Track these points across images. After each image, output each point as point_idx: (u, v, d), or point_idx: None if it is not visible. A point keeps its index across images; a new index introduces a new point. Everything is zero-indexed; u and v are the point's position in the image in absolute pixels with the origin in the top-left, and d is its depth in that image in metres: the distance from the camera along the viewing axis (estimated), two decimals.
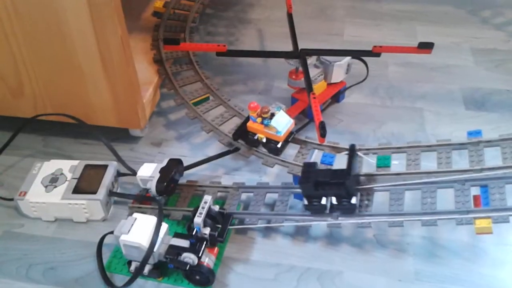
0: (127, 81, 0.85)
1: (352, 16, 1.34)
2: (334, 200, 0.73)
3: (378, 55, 0.97)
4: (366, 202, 0.74)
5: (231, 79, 1.13)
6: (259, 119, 0.82)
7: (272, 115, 0.82)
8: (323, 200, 0.73)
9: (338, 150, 0.83)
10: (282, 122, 0.81)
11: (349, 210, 0.73)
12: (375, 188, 0.75)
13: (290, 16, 1.09)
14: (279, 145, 0.82)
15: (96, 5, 0.75)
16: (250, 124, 0.83)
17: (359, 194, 0.75)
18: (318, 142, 0.84)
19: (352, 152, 0.75)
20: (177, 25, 1.13)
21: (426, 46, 0.95)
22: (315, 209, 0.74)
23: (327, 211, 0.74)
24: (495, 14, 1.33)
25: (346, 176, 0.70)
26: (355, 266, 0.74)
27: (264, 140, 0.83)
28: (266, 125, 0.81)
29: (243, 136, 0.85)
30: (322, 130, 0.82)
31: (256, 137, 0.83)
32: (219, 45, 0.99)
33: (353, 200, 0.72)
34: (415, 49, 0.96)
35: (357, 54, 1.02)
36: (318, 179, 0.71)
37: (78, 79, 0.86)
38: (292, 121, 0.83)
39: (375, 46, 0.97)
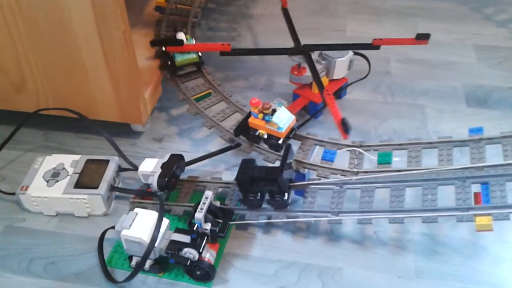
0: (129, 76, 0.85)
1: (354, 12, 1.34)
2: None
3: (377, 47, 0.97)
4: (366, 198, 0.74)
5: (233, 75, 1.13)
6: (260, 115, 0.82)
7: (274, 111, 0.82)
8: (258, 195, 0.76)
9: (339, 146, 0.83)
10: (284, 118, 0.81)
11: (281, 206, 0.76)
12: (375, 184, 0.75)
13: (285, 11, 1.07)
14: (280, 141, 0.82)
15: (98, 0, 0.75)
16: (251, 120, 0.83)
17: (292, 191, 0.78)
18: (326, 139, 0.84)
19: (286, 151, 0.77)
20: (179, 20, 1.13)
21: (423, 38, 0.96)
22: (250, 203, 0.77)
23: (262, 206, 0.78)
24: (498, 11, 1.32)
25: (278, 173, 0.73)
26: (356, 263, 0.74)
27: (266, 136, 0.83)
28: (268, 121, 0.81)
29: (245, 132, 0.85)
30: (345, 127, 0.83)
31: (257, 133, 0.83)
32: (223, 45, 0.97)
33: (285, 196, 0.75)
34: (413, 40, 0.96)
35: (358, 48, 1.02)
36: (253, 175, 0.75)
37: (80, 74, 0.86)
38: (293, 117, 0.83)
39: (375, 39, 0.97)
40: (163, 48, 0.99)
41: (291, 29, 1.03)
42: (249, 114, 0.84)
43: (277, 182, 0.73)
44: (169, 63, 0.99)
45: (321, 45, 0.98)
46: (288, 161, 0.76)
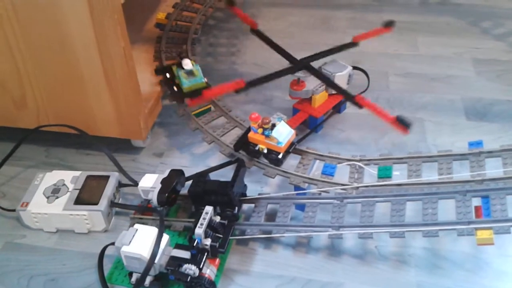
0: (129, 92, 0.85)
1: (353, 27, 1.35)
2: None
3: (356, 44, 1.00)
4: (367, 213, 0.74)
5: None
6: (260, 130, 0.83)
7: (273, 125, 0.82)
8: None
9: (339, 160, 0.83)
10: (283, 133, 0.82)
11: (232, 219, 0.76)
12: (376, 199, 0.75)
13: (256, 32, 1.05)
14: (280, 156, 0.82)
15: (99, 17, 0.76)
16: (251, 135, 0.83)
17: (241, 204, 0.81)
18: (328, 154, 0.84)
19: (239, 166, 0.78)
20: (179, 36, 1.14)
21: (388, 25, 1.01)
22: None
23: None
24: (495, 25, 1.33)
25: (230, 188, 0.75)
26: (357, 278, 0.74)
27: (265, 151, 0.83)
28: (267, 136, 0.82)
29: (245, 147, 0.85)
30: (403, 123, 0.82)
31: (257, 148, 0.84)
32: (238, 83, 0.91)
33: (236, 210, 0.77)
34: (382, 29, 1.01)
35: (341, 48, 1.01)
36: (206, 188, 0.77)
37: (80, 91, 0.86)
38: (293, 131, 0.83)
39: (354, 36, 1.00)
40: (167, 75, 0.98)
41: (278, 49, 1.02)
42: (248, 129, 0.85)
43: (228, 196, 0.75)
44: (174, 88, 0.96)
45: (313, 56, 0.98)
46: (240, 175, 0.78)
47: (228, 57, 1.00)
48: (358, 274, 0.74)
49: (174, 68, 0.96)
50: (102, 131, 0.92)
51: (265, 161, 0.85)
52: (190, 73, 0.94)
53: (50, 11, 0.77)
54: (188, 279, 0.68)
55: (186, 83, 0.94)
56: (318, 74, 0.95)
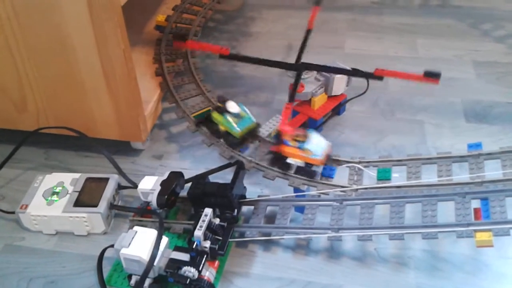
0: (129, 95, 0.85)
1: (353, 29, 1.35)
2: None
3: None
4: (366, 215, 0.74)
5: (232, 92, 1.13)
6: (294, 143, 0.80)
7: (307, 138, 0.80)
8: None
9: (338, 162, 0.83)
10: (319, 145, 0.80)
11: (231, 221, 0.76)
12: (375, 201, 0.75)
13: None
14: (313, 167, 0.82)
15: (99, 20, 0.76)
16: (284, 148, 0.81)
17: (241, 207, 0.80)
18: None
19: (238, 168, 0.78)
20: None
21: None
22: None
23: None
24: (495, 27, 1.33)
25: (229, 190, 0.75)
26: (356, 280, 0.74)
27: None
28: (301, 148, 0.79)
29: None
30: (432, 76, 0.82)
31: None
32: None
33: (235, 213, 0.77)
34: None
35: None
36: (205, 190, 0.77)
37: (80, 93, 0.86)
38: (328, 143, 0.82)
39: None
40: (209, 125, 0.90)
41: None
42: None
43: (227, 198, 0.75)
44: (219, 132, 0.88)
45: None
46: (240, 178, 0.78)
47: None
48: (358, 276, 0.74)
49: (216, 114, 0.87)
50: (101, 133, 0.92)
51: (265, 163, 0.85)
52: (238, 116, 0.87)
53: (50, 14, 0.77)
54: (187, 282, 0.68)
55: (238, 129, 0.85)
56: (321, 67, 0.94)
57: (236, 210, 0.77)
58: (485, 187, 0.72)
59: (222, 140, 0.86)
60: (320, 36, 1.32)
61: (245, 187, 0.82)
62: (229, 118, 0.85)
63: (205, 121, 0.87)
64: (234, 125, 0.84)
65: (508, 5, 1.44)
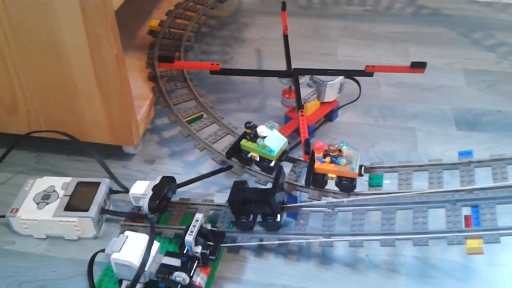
0: (121, 99, 0.85)
1: (345, 36, 1.36)
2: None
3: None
4: (357, 221, 0.74)
5: (225, 97, 1.14)
6: (327, 159, 0.78)
7: (340, 151, 0.78)
8: (251, 218, 0.76)
9: None
10: (353, 158, 0.78)
11: (273, 228, 0.75)
12: (367, 207, 0.76)
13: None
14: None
15: (91, 24, 0.76)
16: (318, 165, 0.78)
17: (284, 212, 0.78)
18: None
19: (278, 173, 0.76)
20: (172, 43, 1.14)
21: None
22: (242, 226, 0.76)
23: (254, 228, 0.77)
24: (486, 36, 1.35)
25: (271, 195, 0.72)
26: (348, 286, 0.74)
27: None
28: (338, 164, 0.77)
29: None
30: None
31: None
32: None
33: (278, 218, 0.75)
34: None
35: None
36: (245, 197, 0.74)
37: (72, 97, 0.86)
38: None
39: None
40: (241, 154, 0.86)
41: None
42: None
43: (269, 204, 0.73)
44: (251, 160, 0.85)
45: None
46: (280, 183, 0.76)
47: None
48: (349, 282, 0.75)
49: (248, 143, 0.84)
50: (93, 137, 0.92)
51: (257, 168, 0.85)
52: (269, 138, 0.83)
53: (43, 17, 0.77)
54: (179, 287, 0.67)
55: (274, 150, 0.82)
56: (313, 71, 0.95)
57: (279, 216, 0.75)
58: (476, 194, 0.72)
59: (256, 167, 0.84)
60: (313, 44, 1.33)
61: (285, 192, 0.80)
62: (263, 143, 0.82)
63: (235, 152, 0.84)
64: (272, 148, 0.81)
65: (499, 14, 1.46)
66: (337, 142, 0.81)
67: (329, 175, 0.79)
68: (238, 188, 0.76)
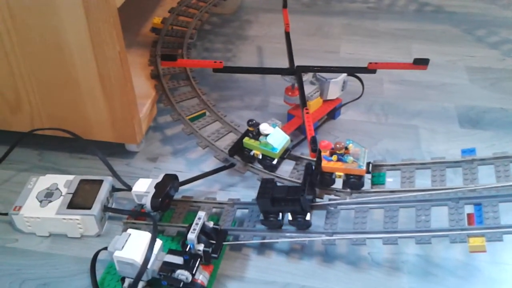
0: (124, 97, 0.85)
1: (348, 33, 1.36)
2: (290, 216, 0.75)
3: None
4: (360, 219, 0.74)
5: (228, 95, 1.13)
6: (334, 157, 0.77)
7: (346, 149, 0.77)
8: (280, 216, 0.75)
9: None
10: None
11: (303, 226, 0.74)
12: (369, 205, 0.75)
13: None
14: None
15: (94, 21, 0.76)
16: (325, 164, 0.78)
17: (312, 210, 0.76)
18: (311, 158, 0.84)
19: (308, 170, 0.76)
20: (175, 41, 1.14)
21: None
22: (271, 225, 0.76)
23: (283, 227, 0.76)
24: (489, 33, 1.34)
25: (300, 193, 0.72)
26: (350, 284, 0.74)
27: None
28: (345, 161, 0.77)
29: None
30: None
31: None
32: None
33: (308, 217, 0.73)
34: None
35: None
36: (274, 195, 0.73)
37: (75, 94, 0.86)
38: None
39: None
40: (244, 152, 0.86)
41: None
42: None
43: (299, 202, 0.72)
44: (253, 158, 0.85)
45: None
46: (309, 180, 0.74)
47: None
48: (351, 280, 0.75)
49: (249, 141, 0.84)
50: (96, 135, 0.92)
51: (260, 166, 0.85)
52: (271, 136, 0.83)
53: (46, 16, 0.77)
54: (181, 285, 0.68)
55: (277, 148, 0.82)
56: (317, 68, 0.95)
57: (308, 214, 0.74)
58: (479, 192, 0.72)
59: (258, 164, 0.84)
60: (316, 41, 1.33)
61: (314, 189, 0.78)
62: (266, 140, 0.82)
63: (237, 150, 0.84)
64: (274, 146, 0.81)
65: (503, 11, 1.46)
66: (343, 140, 0.80)
67: (337, 173, 0.78)
68: (266, 186, 0.75)
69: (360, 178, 0.77)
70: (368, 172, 0.78)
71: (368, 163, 0.78)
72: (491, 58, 1.25)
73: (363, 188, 0.79)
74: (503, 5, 1.49)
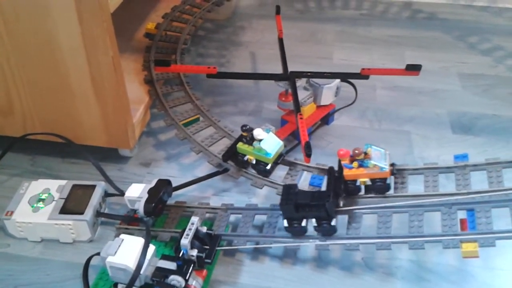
0: (117, 101, 0.85)
1: (342, 40, 1.37)
2: (314, 222, 0.73)
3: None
4: (354, 224, 0.74)
5: (222, 100, 1.14)
6: (355, 164, 0.76)
7: (365, 154, 0.76)
8: (303, 222, 0.73)
9: (325, 172, 0.83)
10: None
11: (329, 232, 0.73)
12: (363, 211, 0.76)
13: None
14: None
15: (88, 26, 0.76)
16: (347, 172, 0.76)
17: (338, 216, 0.75)
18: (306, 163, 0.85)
19: (331, 174, 0.75)
20: (169, 46, 1.14)
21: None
22: (295, 231, 0.74)
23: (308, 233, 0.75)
24: (482, 40, 1.36)
25: (326, 198, 0.71)
26: None
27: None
28: (366, 167, 0.76)
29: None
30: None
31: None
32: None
33: (333, 222, 0.72)
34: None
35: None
36: (298, 201, 0.72)
37: (68, 99, 0.86)
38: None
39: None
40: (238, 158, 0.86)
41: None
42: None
43: (324, 207, 0.70)
44: (247, 163, 0.85)
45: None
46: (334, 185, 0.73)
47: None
48: (345, 286, 0.74)
49: (244, 146, 0.83)
50: (89, 139, 0.91)
51: (253, 171, 0.85)
52: (265, 141, 0.83)
53: (39, 20, 0.77)
54: None
55: (271, 153, 0.81)
56: (310, 74, 0.96)
57: (334, 220, 0.72)
58: (471, 198, 0.73)
59: (252, 170, 0.84)
60: (309, 47, 1.33)
61: (338, 197, 0.76)
62: (262, 145, 0.81)
63: (231, 155, 0.83)
64: (268, 151, 0.81)
65: (495, 18, 1.47)
66: (339, 145, 0.80)
67: (360, 179, 0.77)
68: (289, 192, 0.74)
69: (385, 180, 0.76)
70: (392, 174, 0.77)
71: (391, 164, 0.77)
72: (483, 65, 1.26)
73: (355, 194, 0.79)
74: (495, 12, 1.50)
